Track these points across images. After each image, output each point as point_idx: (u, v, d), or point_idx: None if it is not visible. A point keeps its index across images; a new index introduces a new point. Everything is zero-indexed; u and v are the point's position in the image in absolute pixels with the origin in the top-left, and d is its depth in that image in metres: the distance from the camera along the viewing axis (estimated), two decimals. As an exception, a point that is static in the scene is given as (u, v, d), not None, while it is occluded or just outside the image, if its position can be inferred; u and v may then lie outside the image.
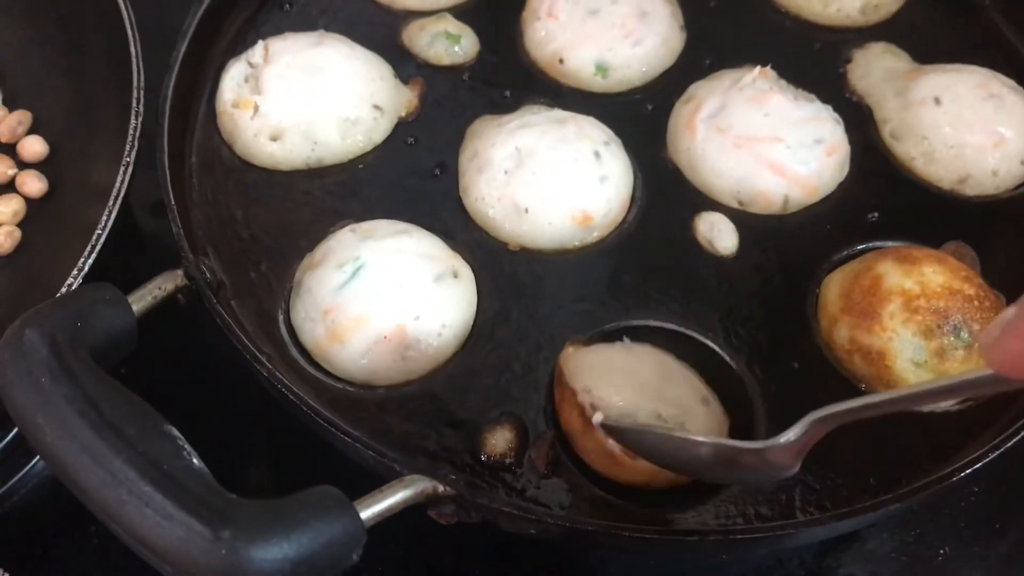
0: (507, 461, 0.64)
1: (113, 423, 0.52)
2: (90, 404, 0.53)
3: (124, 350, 0.61)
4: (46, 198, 0.81)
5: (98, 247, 0.67)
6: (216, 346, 0.82)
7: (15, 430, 0.80)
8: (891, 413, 0.54)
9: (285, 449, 0.80)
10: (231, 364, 0.82)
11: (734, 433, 0.64)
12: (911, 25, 0.86)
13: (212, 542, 0.49)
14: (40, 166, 0.82)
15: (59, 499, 0.80)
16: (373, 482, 0.59)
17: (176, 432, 0.54)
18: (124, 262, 0.79)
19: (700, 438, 0.58)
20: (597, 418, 0.61)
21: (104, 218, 0.68)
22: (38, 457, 0.81)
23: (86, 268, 0.67)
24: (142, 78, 0.75)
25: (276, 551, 0.49)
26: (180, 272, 0.66)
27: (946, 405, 0.66)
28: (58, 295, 0.65)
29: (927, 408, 0.67)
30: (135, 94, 0.73)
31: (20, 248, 0.79)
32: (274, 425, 0.80)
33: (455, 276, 0.70)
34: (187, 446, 0.54)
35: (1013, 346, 0.39)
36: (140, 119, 0.72)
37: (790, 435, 0.54)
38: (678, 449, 0.57)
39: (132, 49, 0.75)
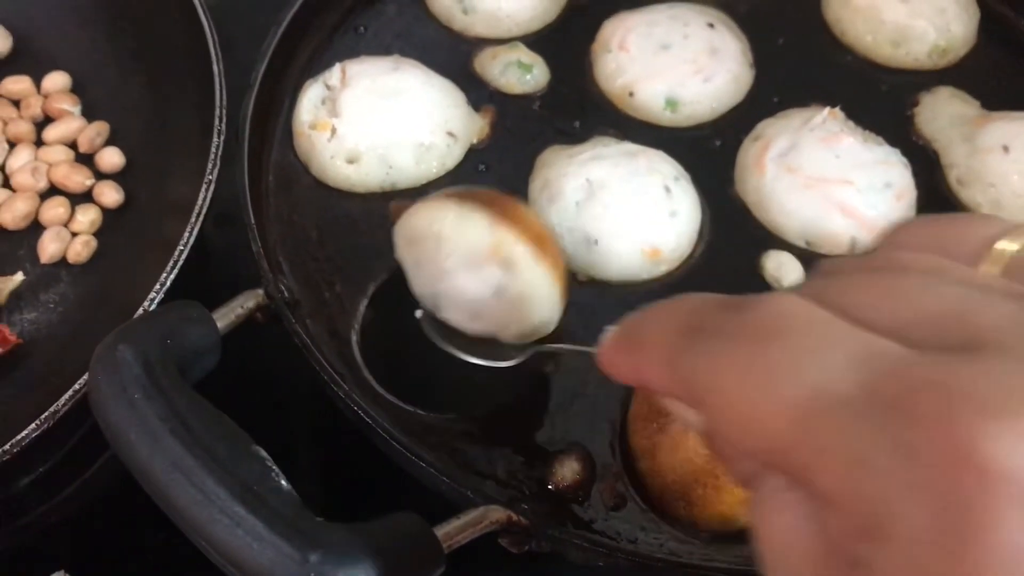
0: (575, 492, 0.65)
1: (204, 442, 0.53)
2: (181, 423, 0.54)
3: (206, 368, 0.63)
4: (121, 209, 0.83)
5: (180, 263, 0.69)
6: (279, 364, 0.84)
7: (78, 435, 0.82)
8: None
9: (341, 469, 0.81)
10: (293, 384, 0.84)
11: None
12: (979, 71, 0.87)
13: (301, 564, 0.50)
14: (116, 177, 0.84)
15: (120, 505, 0.82)
16: (435, 504, 0.61)
17: (264, 453, 0.55)
18: (193, 273, 0.81)
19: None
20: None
21: (186, 235, 0.69)
22: (99, 462, 0.83)
23: (168, 283, 0.68)
24: (224, 97, 0.76)
25: (362, 576, 0.50)
26: (261, 291, 0.67)
27: None
28: (146, 311, 0.66)
29: None
30: (217, 112, 0.75)
31: (95, 257, 0.80)
32: (331, 444, 0.82)
33: None
34: (275, 467, 0.55)
35: (611, 348, 0.40)
36: (223, 138, 0.74)
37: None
38: None
39: (215, 68, 0.77)
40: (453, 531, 0.56)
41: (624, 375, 0.40)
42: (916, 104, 0.84)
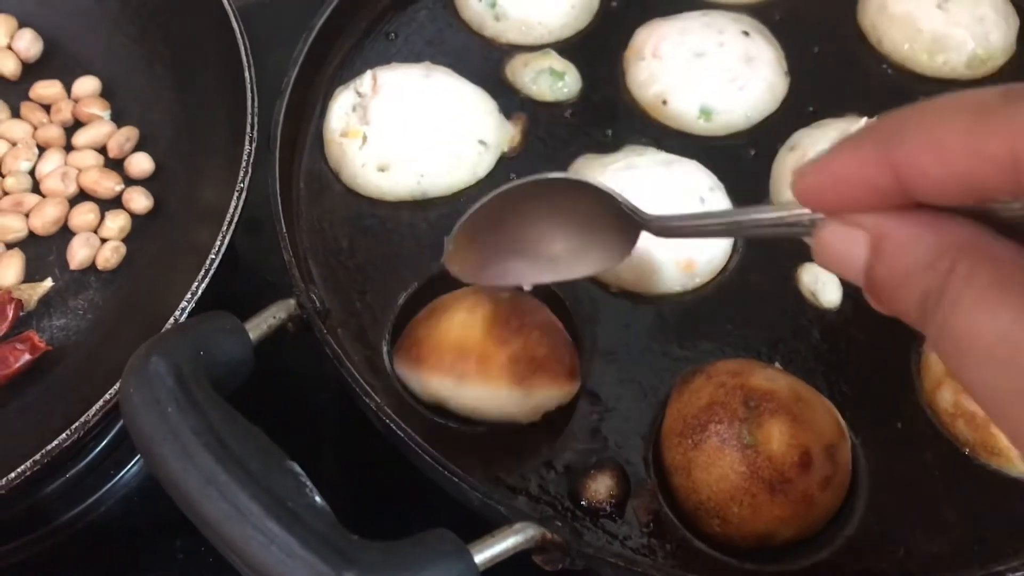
0: (607, 508, 0.64)
1: (238, 457, 0.53)
2: (215, 437, 0.53)
3: (239, 379, 0.62)
4: (150, 215, 0.82)
5: (211, 271, 0.68)
6: (307, 373, 0.83)
7: (104, 442, 0.81)
8: None
9: (370, 480, 0.80)
10: (321, 393, 0.83)
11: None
12: (1018, 80, 0.85)
13: (335, 583, 0.49)
14: (146, 183, 0.83)
15: (146, 512, 0.82)
16: (464, 517, 0.60)
17: (298, 468, 0.55)
18: (221, 280, 0.80)
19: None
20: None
21: (218, 243, 0.69)
22: (126, 469, 0.83)
23: (199, 292, 0.68)
24: (256, 104, 0.75)
25: (396, 595, 0.50)
26: (292, 301, 0.66)
27: None
28: (178, 322, 0.65)
29: None
30: (249, 120, 0.74)
31: (124, 264, 0.80)
32: (360, 455, 0.81)
33: None
34: (308, 483, 0.54)
35: (811, 175, 0.40)
36: (254, 145, 0.73)
37: None
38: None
39: (247, 73, 0.76)
40: (487, 548, 0.55)
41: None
42: (954, 114, 0.83)
